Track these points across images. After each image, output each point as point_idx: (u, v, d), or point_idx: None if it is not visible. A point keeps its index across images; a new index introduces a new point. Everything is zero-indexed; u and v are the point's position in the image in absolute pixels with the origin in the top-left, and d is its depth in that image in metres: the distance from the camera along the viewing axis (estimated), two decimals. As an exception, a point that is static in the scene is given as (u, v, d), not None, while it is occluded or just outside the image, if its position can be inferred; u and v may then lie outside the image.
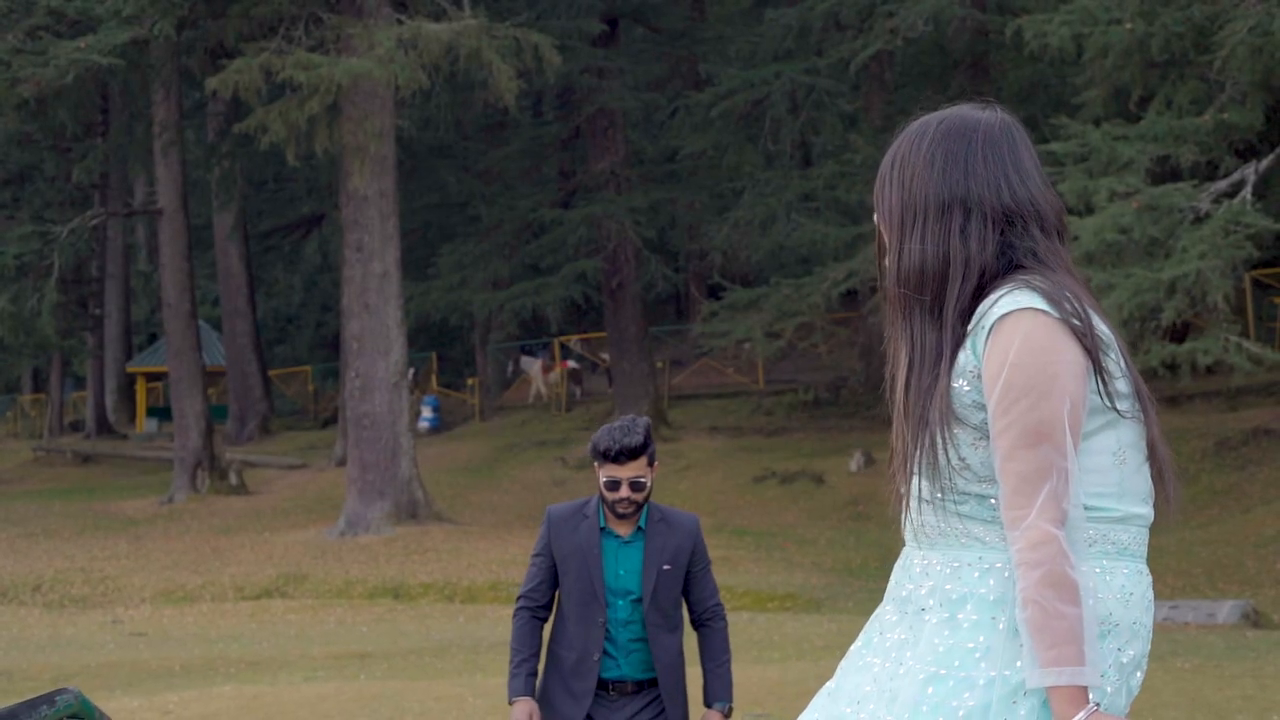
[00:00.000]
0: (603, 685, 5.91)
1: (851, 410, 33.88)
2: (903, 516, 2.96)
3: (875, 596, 19.72)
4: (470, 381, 42.63)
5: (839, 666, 3.03)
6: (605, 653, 5.90)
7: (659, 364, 36.52)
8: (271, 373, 46.03)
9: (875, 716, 2.86)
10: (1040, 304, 2.77)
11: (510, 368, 43.37)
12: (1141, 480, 2.87)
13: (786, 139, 29.42)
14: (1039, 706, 2.73)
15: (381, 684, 13.72)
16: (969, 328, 2.84)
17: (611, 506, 5.88)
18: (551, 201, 33.35)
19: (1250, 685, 11.37)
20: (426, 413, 39.96)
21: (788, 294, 26.54)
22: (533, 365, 40.82)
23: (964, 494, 2.85)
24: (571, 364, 40.32)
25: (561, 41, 27.26)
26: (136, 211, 35.77)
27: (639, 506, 5.88)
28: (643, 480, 5.83)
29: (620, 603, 5.91)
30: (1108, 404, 2.81)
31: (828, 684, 3.03)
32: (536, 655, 6.00)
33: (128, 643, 18.84)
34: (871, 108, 29.87)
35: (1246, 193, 18.47)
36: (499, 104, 27.16)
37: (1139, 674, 2.85)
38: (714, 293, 36.03)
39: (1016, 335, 2.75)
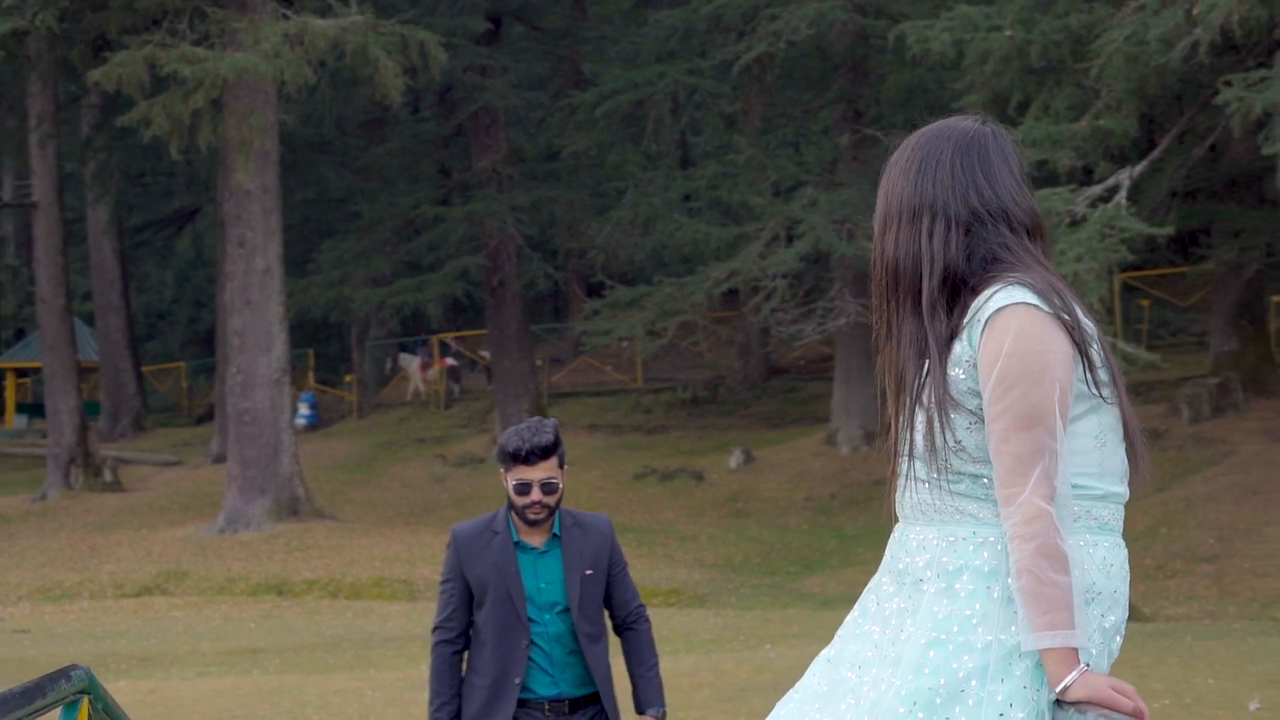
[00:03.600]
0: (538, 705, 5.62)
1: (730, 408, 34.24)
2: (896, 495, 3.19)
3: (758, 591, 20.02)
4: (348, 378, 42.48)
5: (836, 635, 3.25)
6: (541, 669, 5.61)
7: (538, 362, 36.65)
8: (144, 369, 45.51)
9: (879, 679, 3.08)
10: (1032, 299, 3.03)
11: (388, 365, 43.27)
12: (1118, 461, 3.13)
13: (668, 139, 29.63)
14: (1033, 667, 2.97)
15: (278, 678, 13.76)
16: (965, 321, 3.08)
17: (521, 513, 5.58)
18: (432, 199, 33.35)
19: (1129, 674, 11.75)
20: (303, 409, 39.71)
21: (670, 293, 26.76)
22: (411, 362, 40.77)
23: (959, 474, 3.08)
24: (450, 361, 40.32)
25: (445, 39, 27.28)
26: (10, 205, 35.27)
27: (551, 511, 5.59)
28: (554, 482, 5.55)
29: (548, 617, 5.62)
30: (1092, 391, 3.07)
31: (825, 651, 3.25)
32: (457, 695, 5.68)
33: (11, 640, 18.65)
34: (751, 109, 30.18)
35: (1121, 197, 18.96)
36: (383, 101, 27.13)
37: (1118, 639, 3.10)
38: (593, 291, 36.21)
39: (1011, 328, 3.00)
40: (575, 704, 5.64)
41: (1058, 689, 2.92)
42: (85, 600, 22.70)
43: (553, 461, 5.56)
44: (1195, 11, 17.55)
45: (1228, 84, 17.88)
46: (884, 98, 27.90)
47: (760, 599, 20.77)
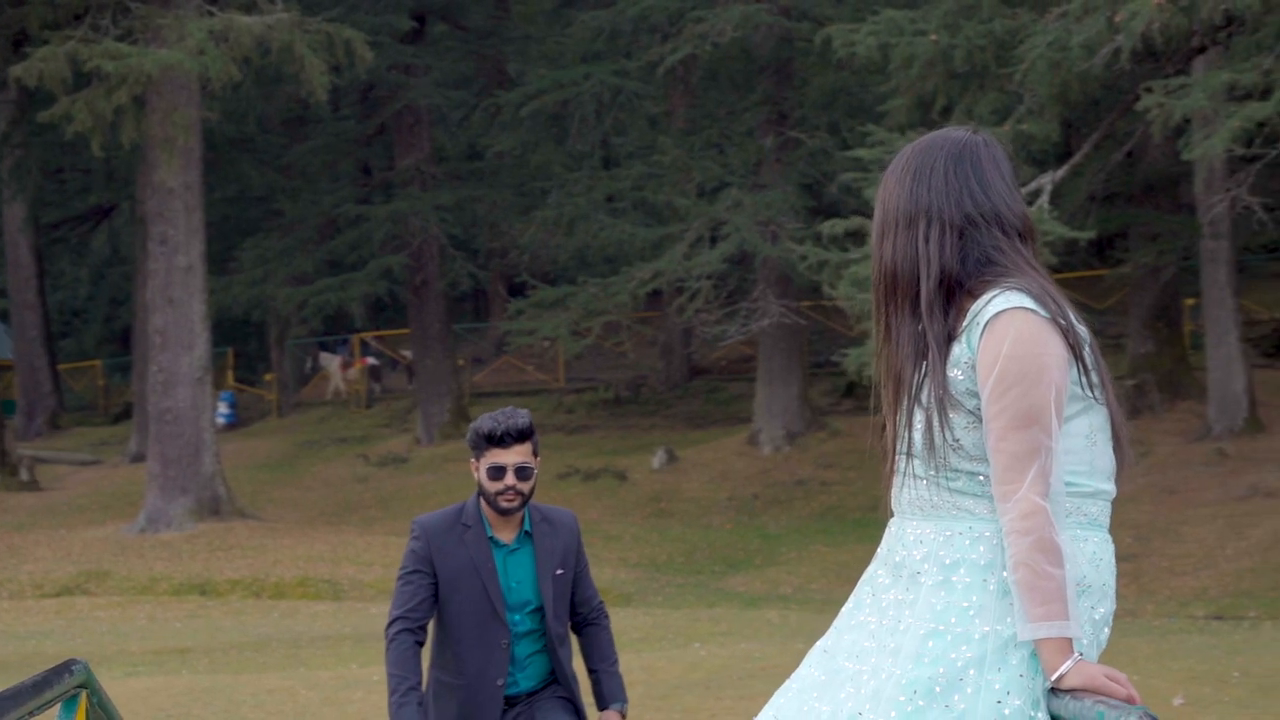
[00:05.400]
0: None
1: (652, 408, 34.36)
2: (892, 491, 3.31)
3: (683, 590, 20.13)
4: (267, 377, 42.23)
5: (832, 626, 3.36)
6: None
7: (460, 361, 36.63)
8: (60, 367, 45.07)
9: (878, 669, 3.19)
10: (1029, 304, 3.15)
11: (308, 363, 43.07)
12: (1107, 460, 3.26)
13: (592, 140, 29.71)
14: (1029, 657, 3.09)
15: (210, 678, 13.73)
16: (963, 324, 3.20)
17: (493, 501, 5.37)
18: (354, 198, 33.26)
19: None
20: (222, 408, 39.39)
21: (595, 293, 26.86)
22: (332, 362, 40.61)
23: (956, 471, 3.20)
24: (371, 360, 40.21)
25: (370, 37, 27.22)
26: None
27: (525, 500, 5.39)
28: (529, 466, 5.37)
29: (518, 617, 5.44)
30: (1086, 392, 3.20)
31: (821, 642, 3.36)
32: (421, 682, 5.38)
33: (-68, 640, 18.47)
34: (676, 110, 30.32)
35: (1044, 201, 19.24)
36: (307, 98, 27.04)
37: (1107, 630, 3.23)
38: (516, 291, 36.22)
39: (1009, 331, 3.12)
40: (532, 693, 5.53)
41: (1053, 677, 3.04)
42: (5, 600, 22.50)
43: (528, 446, 5.40)
44: (1117, 19, 17.82)
45: (1148, 90, 18.17)
46: (808, 100, 28.11)
47: (686, 598, 20.91)
